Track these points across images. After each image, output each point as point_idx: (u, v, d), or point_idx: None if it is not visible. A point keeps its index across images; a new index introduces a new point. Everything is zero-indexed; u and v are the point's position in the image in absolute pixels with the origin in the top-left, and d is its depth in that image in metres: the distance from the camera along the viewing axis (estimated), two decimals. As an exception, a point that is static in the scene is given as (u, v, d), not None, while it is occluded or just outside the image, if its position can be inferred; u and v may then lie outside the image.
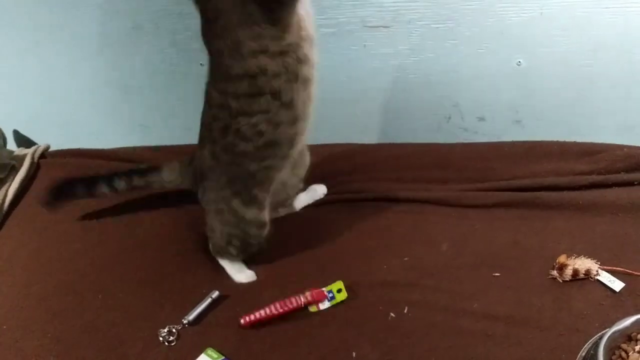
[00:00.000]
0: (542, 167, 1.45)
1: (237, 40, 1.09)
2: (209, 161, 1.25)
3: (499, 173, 1.47)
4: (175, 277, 1.33)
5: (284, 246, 1.37)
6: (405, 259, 1.29)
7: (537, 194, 1.37)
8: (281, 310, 1.17)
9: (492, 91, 1.54)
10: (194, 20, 1.68)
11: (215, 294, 1.25)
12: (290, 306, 1.18)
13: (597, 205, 1.31)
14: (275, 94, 1.12)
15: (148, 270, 1.35)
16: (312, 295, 1.19)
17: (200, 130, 1.27)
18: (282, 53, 1.10)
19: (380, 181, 1.53)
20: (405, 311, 1.16)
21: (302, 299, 1.19)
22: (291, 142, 1.21)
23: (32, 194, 1.64)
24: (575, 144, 1.46)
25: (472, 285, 1.19)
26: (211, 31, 1.16)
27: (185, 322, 1.20)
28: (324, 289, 1.21)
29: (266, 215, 1.29)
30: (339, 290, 1.20)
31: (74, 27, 1.81)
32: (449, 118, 1.62)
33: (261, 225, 1.29)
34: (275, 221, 1.35)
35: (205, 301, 1.24)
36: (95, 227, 1.49)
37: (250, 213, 1.26)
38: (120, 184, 1.40)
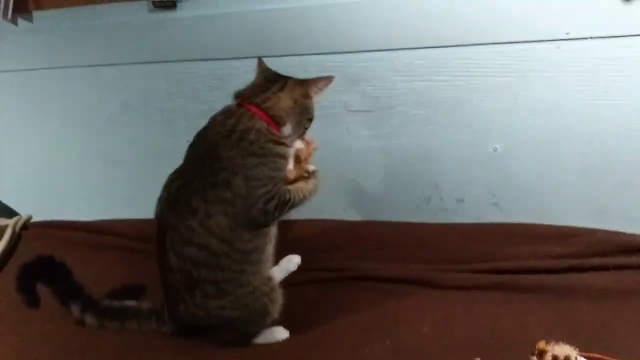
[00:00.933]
0: (520, 249, 1.48)
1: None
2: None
3: (477, 254, 1.50)
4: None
5: None
6: (387, 342, 1.29)
7: (516, 277, 1.39)
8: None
9: (470, 174, 1.60)
10: (182, 99, 1.76)
11: None
12: None
13: (574, 290, 1.34)
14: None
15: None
16: None
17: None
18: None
19: (362, 259, 1.55)
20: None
21: None
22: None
23: (11, 267, 1.62)
24: (551, 227, 1.51)
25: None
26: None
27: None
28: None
29: None
30: None
31: (65, 100, 1.86)
32: (429, 199, 1.67)
33: None
34: None
35: None
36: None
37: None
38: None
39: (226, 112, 1.27)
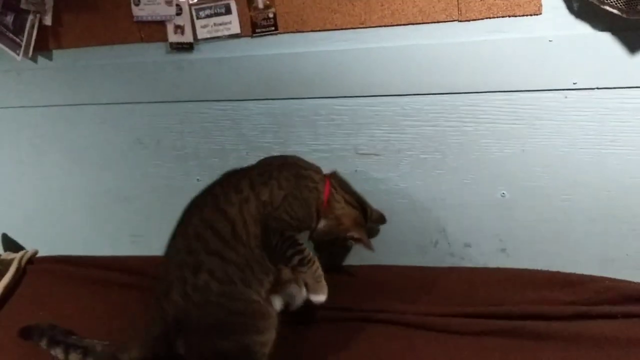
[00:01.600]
0: (527, 295, 1.48)
1: None
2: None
3: (484, 298, 1.50)
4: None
5: None
6: (396, 386, 1.28)
7: (524, 323, 1.38)
8: None
9: (477, 220, 1.60)
10: (194, 138, 1.78)
11: None
12: None
13: (582, 338, 1.33)
14: None
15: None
16: None
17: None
18: None
19: (367, 302, 1.55)
20: None
21: None
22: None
23: (15, 301, 1.62)
24: (559, 273, 1.51)
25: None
26: None
27: None
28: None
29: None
30: None
31: (77, 137, 1.89)
32: (436, 243, 1.67)
33: None
34: None
35: None
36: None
37: None
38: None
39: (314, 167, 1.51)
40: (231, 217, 1.32)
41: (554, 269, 1.51)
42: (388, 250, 1.69)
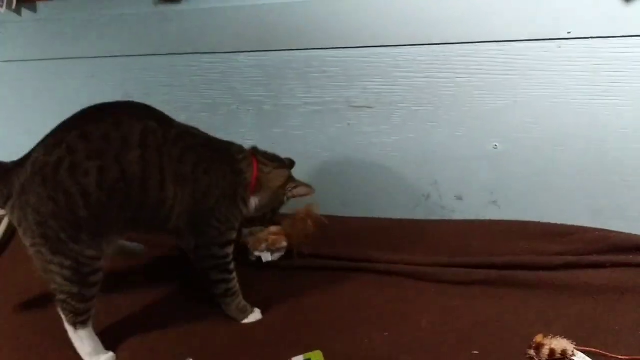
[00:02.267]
0: (518, 246, 1.49)
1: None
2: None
3: (475, 250, 1.51)
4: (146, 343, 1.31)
5: (260, 309, 1.39)
6: (386, 334, 1.29)
7: (514, 273, 1.40)
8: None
9: (469, 172, 1.61)
10: (183, 92, 1.76)
11: None
12: None
13: (571, 286, 1.35)
14: None
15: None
16: None
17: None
18: None
19: (360, 253, 1.56)
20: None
21: None
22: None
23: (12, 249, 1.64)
24: (549, 225, 1.52)
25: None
26: None
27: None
28: (301, 356, 1.19)
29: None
30: None
31: (65, 90, 1.86)
32: (428, 196, 1.68)
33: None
34: (249, 284, 1.39)
35: None
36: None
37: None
38: None
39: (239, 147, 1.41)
40: (163, 177, 1.22)
41: (544, 220, 1.53)
42: (379, 203, 1.70)
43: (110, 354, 1.26)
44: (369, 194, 1.70)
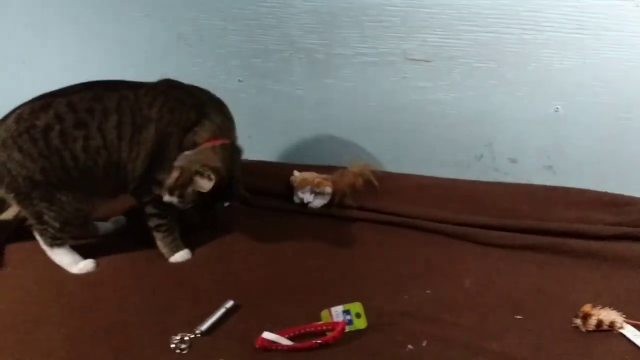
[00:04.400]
0: (571, 213, 1.45)
1: None
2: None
3: (526, 214, 1.48)
4: (187, 284, 1.34)
5: (301, 256, 1.41)
6: (428, 291, 1.29)
7: (564, 240, 1.37)
8: (299, 345, 1.13)
9: (526, 134, 1.55)
10: (237, 37, 1.74)
11: (230, 303, 1.24)
12: (308, 342, 1.14)
13: (623, 258, 1.31)
14: None
15: (160, 277, 1.36)
16: (332, 326, 1.16)
17: None
18: None
19: (407, 208, 1.54)
20: (424, 345, 1.15)
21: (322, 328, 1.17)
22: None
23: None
24: (606, 194, 1.47)
25: (493, 325, 1.18)
26: None
27: (197, 332, 1.18)
28: (341, 307, 1.19)
29: None
30: (358, 315, 1.19)
31: (120, 32, 1.86)
32: (481, 157, 1.63)
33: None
34: (288, 227, 1.45)
35: (218, 311, 1.22)
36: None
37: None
38: None
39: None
40: (134, 129, 1.31)
41: (601, 190, 1.47)
42: (430, 161, 1.67)
43: (90, 260, 1.37)
44: (420, 151, 1.67)
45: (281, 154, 1.86)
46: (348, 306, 1.21)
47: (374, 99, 1.68)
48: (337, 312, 1.19)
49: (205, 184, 1.27)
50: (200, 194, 1.29)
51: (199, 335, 1.17)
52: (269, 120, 1.82)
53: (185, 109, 1.34)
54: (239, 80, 1.80)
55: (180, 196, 1.29)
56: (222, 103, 1.40)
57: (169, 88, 1.37)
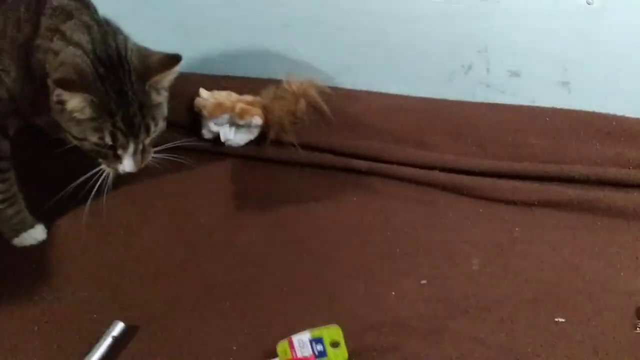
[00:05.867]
0: (598, 150, 1.06)
1: None
2: None
3: (538, 153, 1.07)
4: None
5: (220, 229, 0.97)
6: (423, 281, 0.87)
7: (599, 193, 0.98)
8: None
9: (538, 37, 1.09)
10: None
11: (118, 327, 0.80)
12: None
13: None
14: None
15: None
16: None
17: None
18: None
19: (373, 142, 1.10)
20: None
21: None
22: None
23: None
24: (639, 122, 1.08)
25: (530, 338, 0.79)
26: None
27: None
28: (308, 333, 0.75)
29: None
30: (335, 344, 0.75)
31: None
32: (469, 68, 1.16)
33: None
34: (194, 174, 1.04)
35: (100, 344, 0.79)
36: None
37: None
38: None
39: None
40: None
41: (636, 116, 1.08)
42: (402, 74, 1.18)
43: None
44: (386, 58, 1.17)
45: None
46: (318, 332, 0.76)
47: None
48: (301, 342, 0.74)
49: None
50: None
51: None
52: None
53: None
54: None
55: None
56: None
57: None
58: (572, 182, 1.01)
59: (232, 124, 1.08)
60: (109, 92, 0.79)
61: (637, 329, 0.80)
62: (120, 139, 0.81)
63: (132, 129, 0.81)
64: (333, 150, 1.08)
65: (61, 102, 0.78)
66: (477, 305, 0.84)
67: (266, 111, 1.09)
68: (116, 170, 0.85)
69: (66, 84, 0.76)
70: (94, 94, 0.78)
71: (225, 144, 1.09)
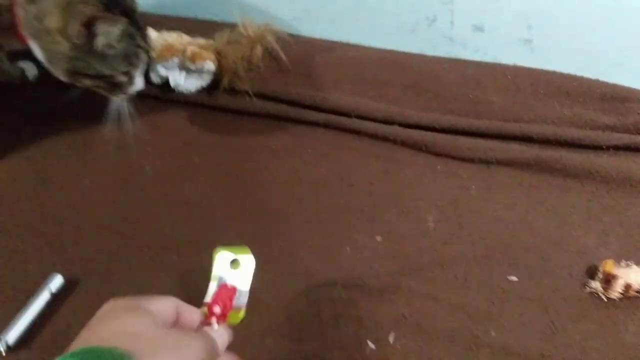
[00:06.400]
0: (556, 110, 1.04)
1: None
2: None
3: (498, 110, 1.04)
4: None
5: (166, 181, 0.92)
6: (378, 237, 0.85)
7: (555, 153, 0.97)
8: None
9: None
10: None
11: (56, 279, 0.75)
12: None
13: (632, 179, 0.95)
14: None
15: None
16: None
17: None
18: None
19: (331, 93, 1.05)
20: (391, 341, 0.73)
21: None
22: None
23: None
24: (599, 83, 1.06)
25: (482, 296, 0.79)
26: None
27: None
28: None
29: None
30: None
31: None
32: (433, 20, 1.12)
33: None
34: (155, 133, 0.96)
35: (37, 297, 0.73)
36: None
37: None
38: None
39: None
40: None
41: (595, 77, 1.07)
42: (361, 24, 1.13)
43: None
44: (346, 6, 1.11)
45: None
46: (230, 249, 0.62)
47: None
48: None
49: None
50: None
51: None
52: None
53: None
54: None
55: None
56: None
57: None
58: (530, 141, 0.99)
59: (183, 68, 1.01)
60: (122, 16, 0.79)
61: (587, 287, 0.81)
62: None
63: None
64: (289, 101, 1.03)
65: (89, 42, 0.75)
66: (431, 262, 0.82)
67: (220, 56, 1.02)
68: (125, 95, 0.87)
69: (103, 19, 0.75)
70: (122, 20, 0.78)
71: (175, 90, 1.03)
